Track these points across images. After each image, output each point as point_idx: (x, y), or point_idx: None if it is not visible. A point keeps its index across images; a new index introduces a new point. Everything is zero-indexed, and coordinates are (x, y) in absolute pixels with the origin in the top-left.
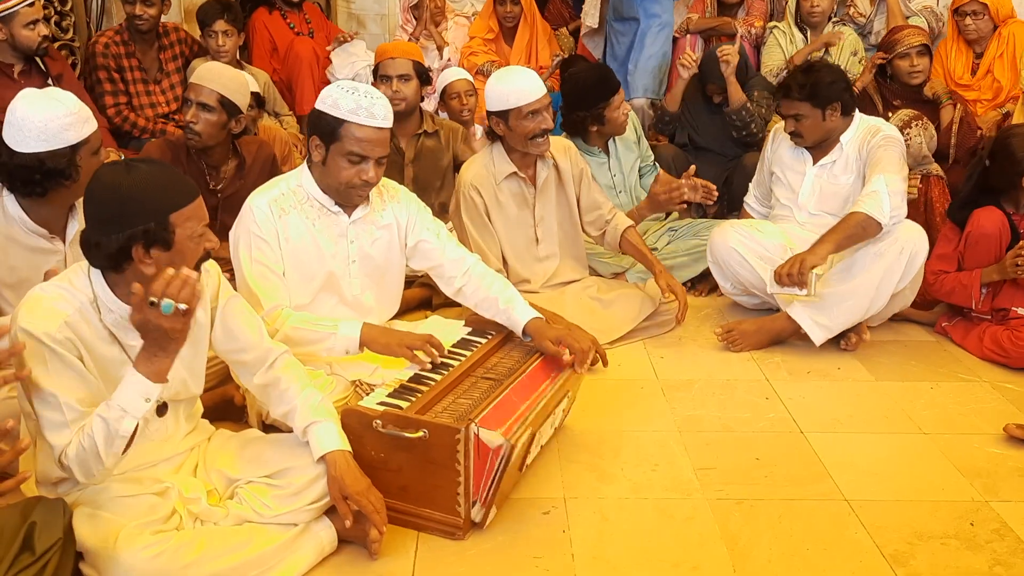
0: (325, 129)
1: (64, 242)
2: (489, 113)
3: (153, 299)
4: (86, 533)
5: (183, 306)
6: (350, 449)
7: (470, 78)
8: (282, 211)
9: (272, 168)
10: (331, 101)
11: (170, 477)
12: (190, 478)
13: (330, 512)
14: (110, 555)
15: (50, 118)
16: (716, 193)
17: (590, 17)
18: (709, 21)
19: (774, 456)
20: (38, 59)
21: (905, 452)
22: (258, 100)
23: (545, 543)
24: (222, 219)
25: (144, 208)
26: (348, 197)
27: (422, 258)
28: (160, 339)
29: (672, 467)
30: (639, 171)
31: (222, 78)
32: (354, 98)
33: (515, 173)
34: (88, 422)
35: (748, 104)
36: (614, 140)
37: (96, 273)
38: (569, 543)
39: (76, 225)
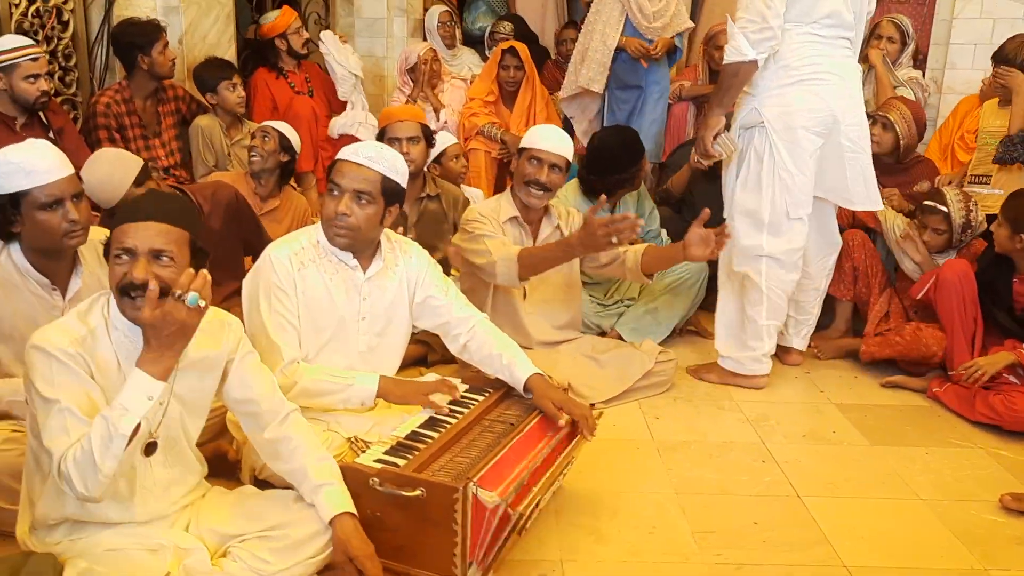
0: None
1: (64, 297)
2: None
3: (179, 291)
4: None
5: (203, 302)
6: (356, 512)
7: (455, 140)
8: (301, 264)
9: (237, 207)
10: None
11: (164, 534)
12: (183, 534)
13: (325, 573)
14: None
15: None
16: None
17: (596, 84)
18: (701, 88)
19: (772, 520)
20: (41, 113)
21: (903, 518)
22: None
23: None
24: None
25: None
26: (330, 237)
27: (431, 314)
28: (173, 335)
29: (670, 530)
30: (643, 233)
31: None
32: (355, 145)
33: (517, 218)
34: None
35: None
36: (621, 205)
37: (110, 296)
38: None
39: (79, 283)
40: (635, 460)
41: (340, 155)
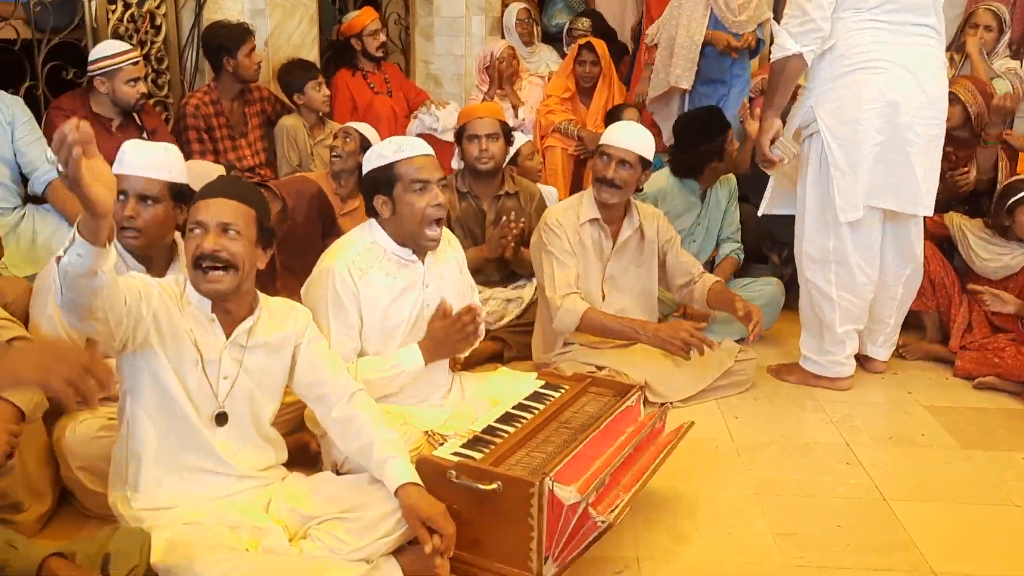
0: (382, 182)
1: None
2: None
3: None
4: (163, 552)
5: (60, 167)
6: (422, 484)
7: (530, 138)
8: (361, 272)
9: (320, 203)
10: (374, 158)
11: (242, 513)
12: (262, 514)
13: (399, 553)
14: (187, 569)
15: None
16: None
17: (685, 80)
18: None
19: (856, 523)
20: (135, 114)
21: (995, 524)
22: None
23: None
24: (281, 260)
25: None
26: (422, 237)
27: None
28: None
29: (749, 531)
30: (718, 237)
31: None
32: (391, 144)
33: (597, 220)
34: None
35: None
36: (713, 193)
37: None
38: None
39: (177, 265)
40: (714, 460)
41: (399, 155)
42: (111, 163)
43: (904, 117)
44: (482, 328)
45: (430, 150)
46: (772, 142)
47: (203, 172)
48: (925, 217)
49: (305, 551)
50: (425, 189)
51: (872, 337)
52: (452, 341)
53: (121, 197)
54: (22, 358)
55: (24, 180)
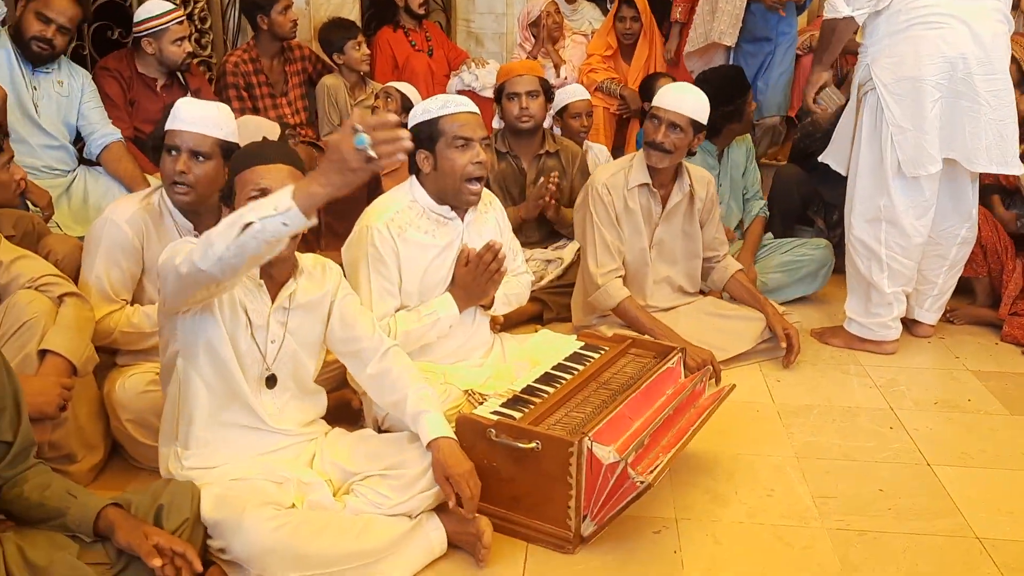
0: (425, 136)
1: None
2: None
3: (358, 126)
4: (212, 507)
5: (373, 153)
6: (455, 438)
7: (588, 98)
8: (400, 230)
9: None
10: (420, 112)
11: (288, 468)
12: (307, 469)
13: (440, 510)
14: (236, 523)
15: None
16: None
17: (729, 37)
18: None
19: (899, 488)
20: (179, 74)
21: None
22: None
23: (656, 563)
24: (325, 220)
25: (230, 171)
26: (464, 194)
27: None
28: (330, 165)
29: (789, 493)
30: (743, 196)
31: None
32: (437, 100)
33: (647, 185)
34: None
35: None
36: (727, 153)
37: None
38: (680, 565)
39: None
40: (754, 422)
41: (444, 111)
42: (155, 122)
43: (963, 71)
44: (506, 265)
45: (475, 108)
46: (818, 93)
47: (259, 127)
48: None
49: (349, 506)
50: (467, 146)
51: (919, 300)
52: (479, 284)
53: (173, 152)
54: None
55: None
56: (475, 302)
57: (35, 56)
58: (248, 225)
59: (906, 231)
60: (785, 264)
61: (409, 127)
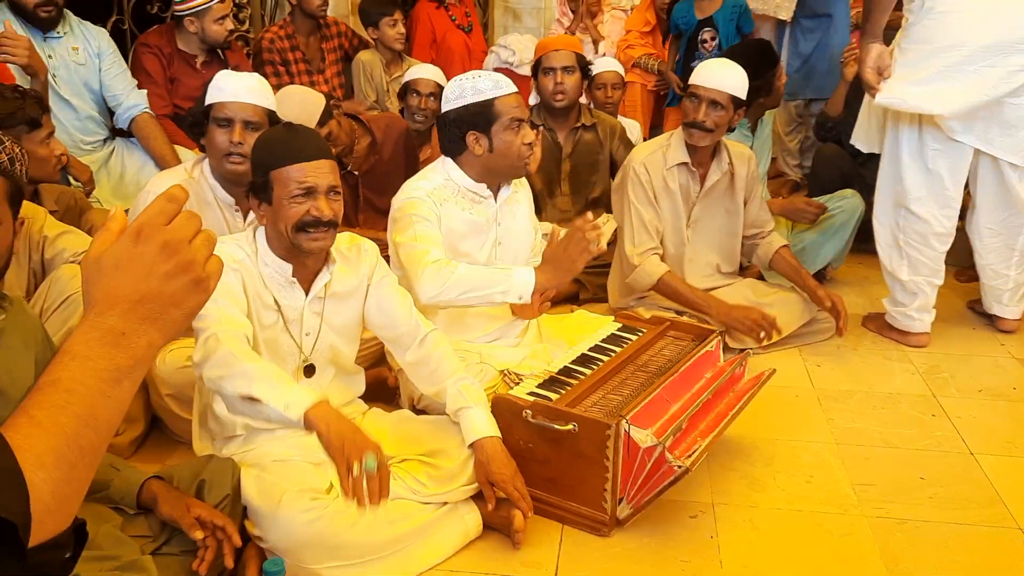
0: (479, 119)
1: (244, 220)
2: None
3: (370, 460)
4: (252, 492)
5: (373, 466)
6: (499, 435)
7: (621, 71)
8: (441, 200)
9: (407, 141)
10: (469, 90)
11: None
12: None
13: (476, 497)
14: (272, 515)
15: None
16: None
17: (785, 11)
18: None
19: (940, 476)
20: (219, 50)
21: None
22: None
23: (692, 547)
24: (364, 194)
25: (257, 163)
26: (516, 171)
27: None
28: (332, 443)
29: (828, 480)
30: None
31: None
32: (486, 79)
33: (686, 164)
34: (247, 363)
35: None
36: (761, 126)
37: (260, 230)
38: (717, 550)
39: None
40: (794, 408)
41: (497, 92)
42: (195, 99)
43: (1005, 46)
44: (603, 240)
45: (514, 87)
46: (880, 72)
47: (305, 99)
48: None
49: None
50: (520, 127)
51: (995, 295)
52: (570, 254)
53: (225, 124)
54: None
55: (110, 113)
56: (561, 278)
57: (43, 22)
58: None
59: (924, 219)
60: (818, 222)
61: (454, 107)
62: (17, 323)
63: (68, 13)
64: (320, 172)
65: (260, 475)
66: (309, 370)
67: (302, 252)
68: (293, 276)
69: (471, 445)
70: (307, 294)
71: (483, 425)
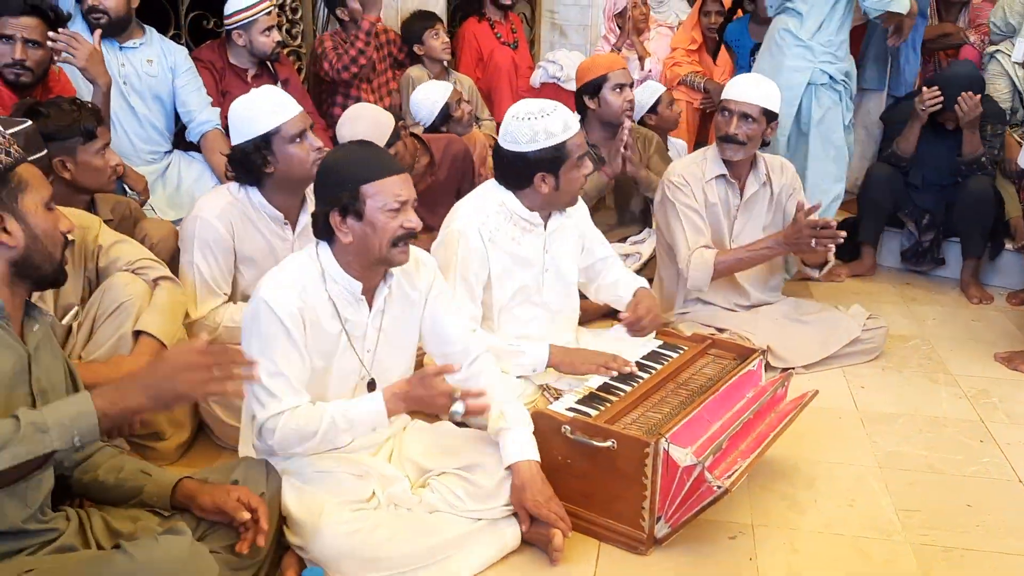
0: (548, 161)
1: (294, 231)
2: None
3: (457, 397)
4: (293, 503)
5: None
6: (538, 459)
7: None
8: (491, 235)
9: (465, 163)
10: (542, 134)
11: (370, 462)
12: (386, 464)
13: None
14: (314, 527)
15: (243, 111)
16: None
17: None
18: (935, 28)
19: (989, 504)
20: (269, 63)
21: None
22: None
23: (731, 569)
24: (418, 213)
25: (340, 179)
26: (573, 201)
27: (594, 274)
28: (415, 399)
29: (871, 505)
30: None
31: None
32: (555, 120)
33: (724, 176)
34: (306, 409)
35: (983, 155)
36: None
37: (324, 247)
38: (756, 572)
39: (306, 218)
40: (836, 430)
41: (566, 135)
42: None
43: None
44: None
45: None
46: None
47: (377, 118)
48: None
49: (424, 499)
50: (583, 161)
51: None
52: (587, 366)
53: (300, 138)
54: (153, 382)
55: (175, 128)
56: (577, 371)
57: (104, 28)
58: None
59: None
60: None
61: (525, 151)
62: (48, 334)
63: (151, 29)
64: (408, 185)
65: (302, 486)
66: (371, 385)
67: (391, 265)
68: (362, 294)
69: (508, 467)
70: (370, 309)
71: (521, 448)
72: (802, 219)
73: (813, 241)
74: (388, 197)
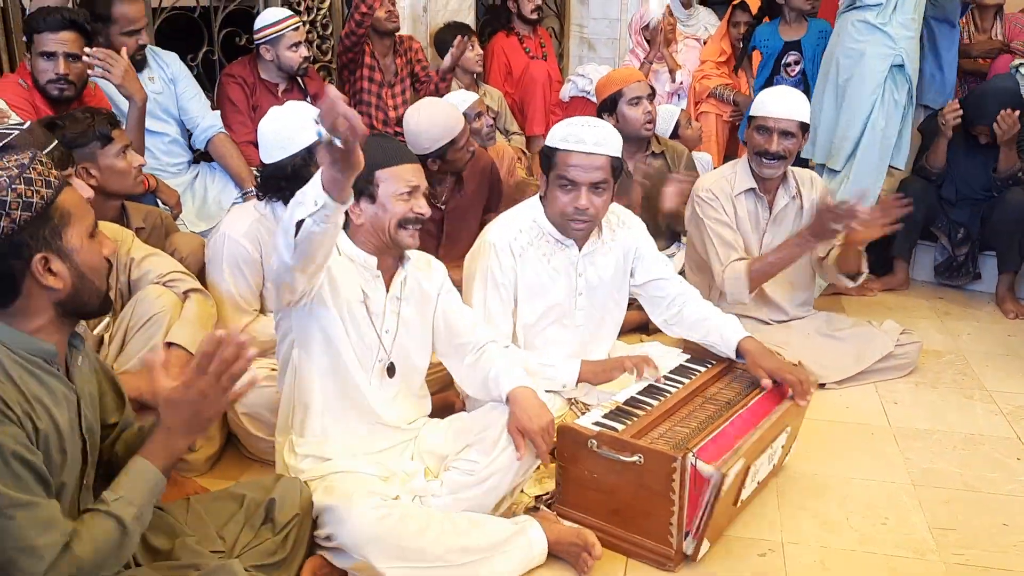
0: (545, 160)
1: None
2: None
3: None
4: (320, 498)
5: (337, 140)
6: (534, 388)
7: (678, 111)
8: (521, 251)
9: (492, 178)
10: (552, 133)
11: (395, 463)
12: (409, 462)
13: (543, 519)
14: (344, 510)
15: (280, 128)
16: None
17: None
18: (986, 43)
19: None
20: (298, 79)
21: None
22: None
23: None
24: (447, 230)
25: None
26: (566, 229)
27: (652, 289)
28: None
29: (904, 523)
30: None
31: None
32: (567, 127)
33: (753, 190)
34: None
35: (1020, 170)
36: None
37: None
38: None
39: None
40: (869, 446)
41: (563, 144)
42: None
43: None
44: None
45: (593, 147)
46: None
47: (446, 112)
48: None
49: (444, 481)
50: (570, 189)
51: None
52: (606, 375)
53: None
54: (181, 424)
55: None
56: (608, 376)
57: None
58: (298, 224)
59: None
60: None
61: (543, 148)
62: (88, 361)
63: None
64: (420, 174)
65: (330, 485)
66: (391, 370)
67: (399, 247)
68: (378, 269)
69: (506, 399)
70: (387, 290)
71: (515, 377)
72: (823, 205)
73: (837, 225)
74: (400, 183)
